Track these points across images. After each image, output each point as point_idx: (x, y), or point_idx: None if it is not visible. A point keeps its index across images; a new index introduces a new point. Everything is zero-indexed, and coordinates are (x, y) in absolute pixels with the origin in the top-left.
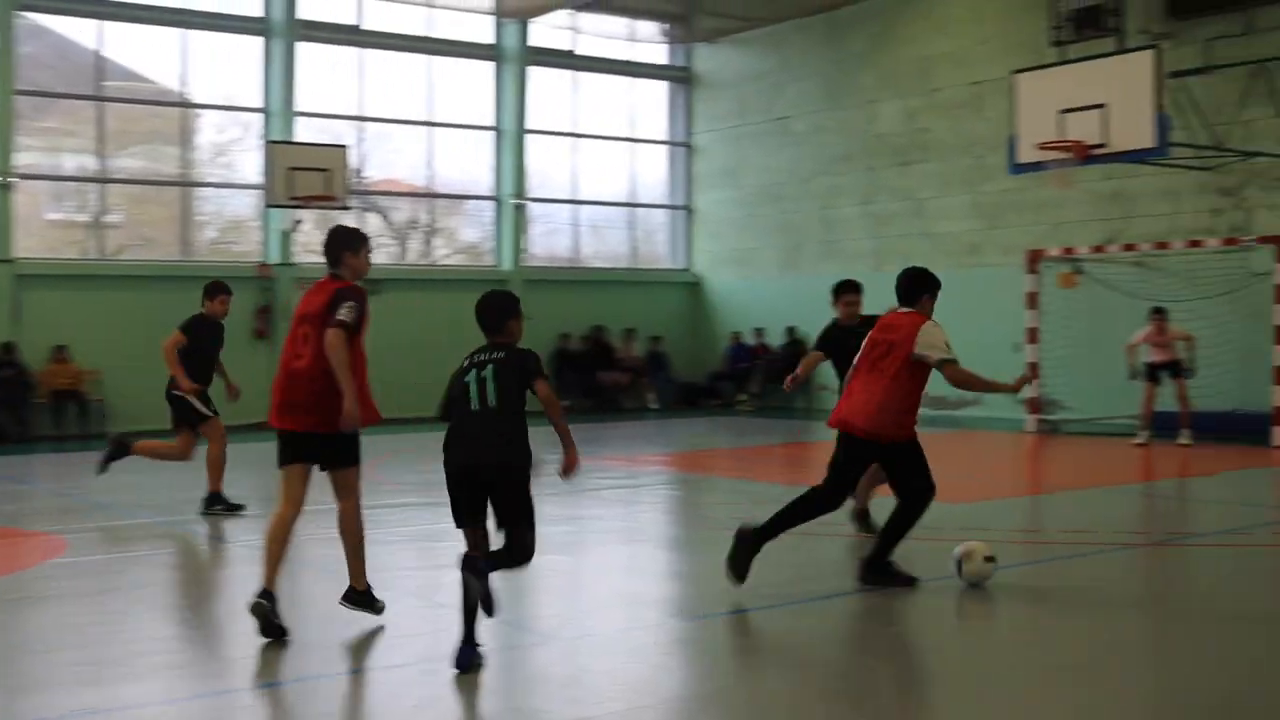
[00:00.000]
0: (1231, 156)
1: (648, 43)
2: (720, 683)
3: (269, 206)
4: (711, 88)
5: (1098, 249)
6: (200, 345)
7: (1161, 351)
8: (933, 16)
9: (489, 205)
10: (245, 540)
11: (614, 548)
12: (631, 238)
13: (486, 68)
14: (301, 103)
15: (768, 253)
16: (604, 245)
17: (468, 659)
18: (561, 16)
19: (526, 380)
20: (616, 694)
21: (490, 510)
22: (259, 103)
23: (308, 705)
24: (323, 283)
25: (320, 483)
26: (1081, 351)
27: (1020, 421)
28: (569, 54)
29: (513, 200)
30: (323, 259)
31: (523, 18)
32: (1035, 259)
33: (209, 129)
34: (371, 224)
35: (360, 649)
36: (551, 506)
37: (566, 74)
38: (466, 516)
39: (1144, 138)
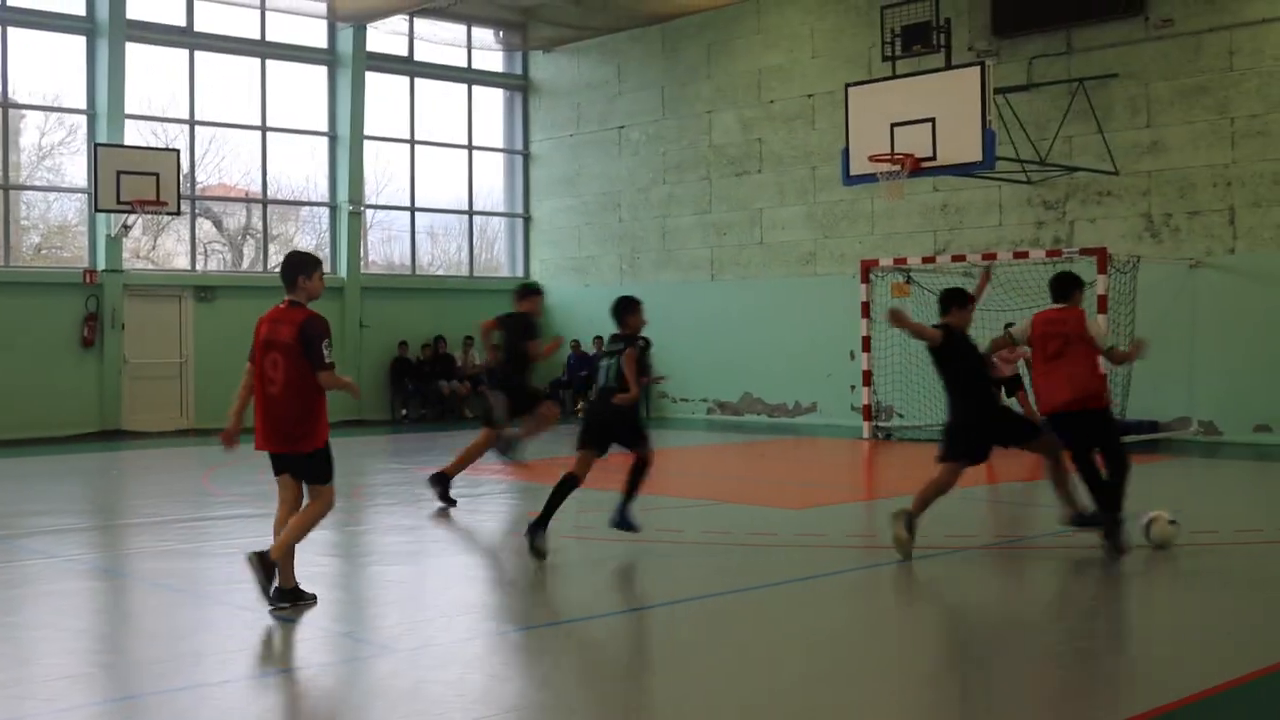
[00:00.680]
0: (1054, 171)
1: (485, 50)
2: (559, 691)
3: (97, 211)
4: (548, 96)
5: (928, 259)
6: None
7: (1009, 367)
8: (766, 30)
9: (325, 212)
10: (70, 555)
11: (454, 557)
12: (470, 246)
13: (321, 72)
14: (131, 105)
15: (606, 261)
16: (442, 253)
17: (534, 535)
18: (398, 22)
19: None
20: (457, 704)
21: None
22: (85, 104)
23: None
24: (283, 310)
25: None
26: (914, 359)
27: (856, 428)
28: (406, 60)
29: (349, 207)
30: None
31: (359, 23)
32: (868, 269)
33: (32, 130)
34: (204, 230)
35: (193, 664)
36: (391, 517)
37: (404, 80)
38: (592, 444)
39: (971, 151)
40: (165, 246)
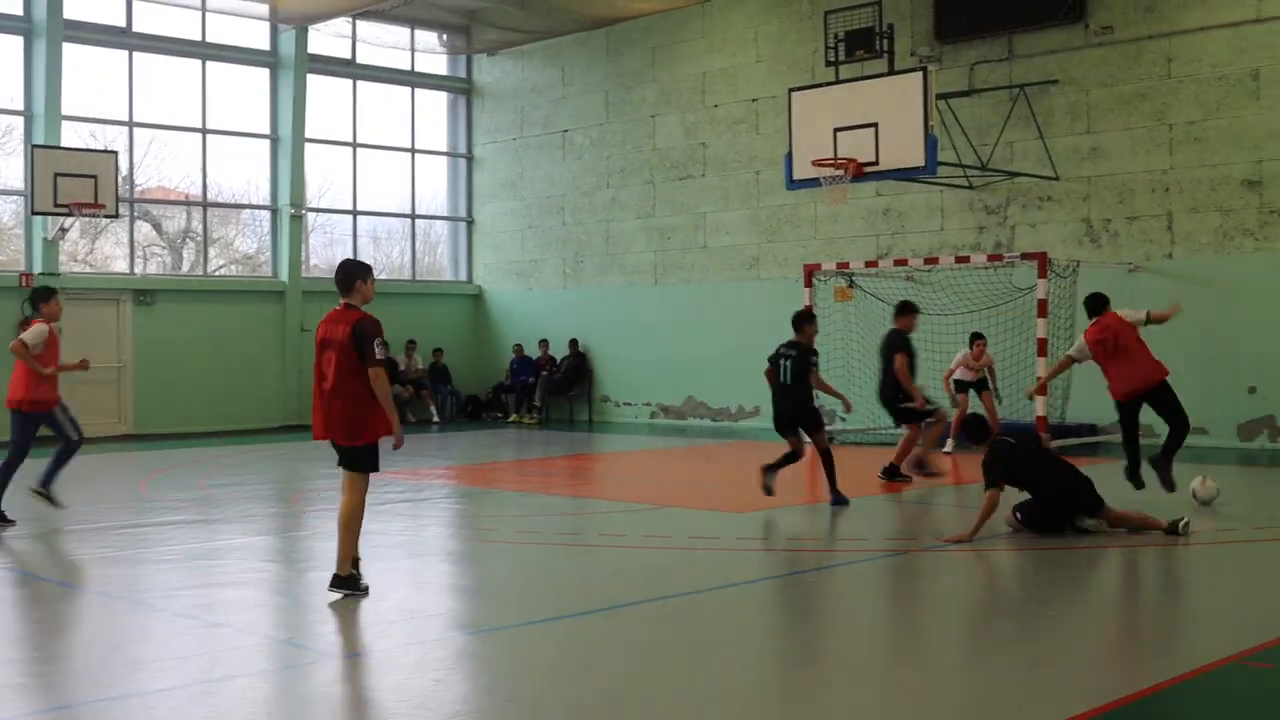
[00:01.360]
0: (995, 176)
1: (428, 53)
2: (501, 696)
3: (34, 214)
4: (492, 99)
5: (870, 263)
6: None
7: (973, 374)
8: (711, 34)
9: (266, 215)
10: (3, 563)
11: (396, 562)
12: (413, 249)
13: (263, 74)
14: (68, 106)
15: (550, 265)
16: (385, 257)
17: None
18: (341, 24)
19: (806, 369)
20: (398, 710)
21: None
22: (22, 105)
23: None
24: (340, 311)
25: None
26: (856, 363)
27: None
28: (348, 62)
29: (291, 210)
30: (334, 287)
31: (301, 25)
32: (811, 273)
33: None
34: (143, 233)
35: (131, 673)
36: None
37: (346, 83)
38: (786, 430)
39: (913, 156)
40: (103, 249)
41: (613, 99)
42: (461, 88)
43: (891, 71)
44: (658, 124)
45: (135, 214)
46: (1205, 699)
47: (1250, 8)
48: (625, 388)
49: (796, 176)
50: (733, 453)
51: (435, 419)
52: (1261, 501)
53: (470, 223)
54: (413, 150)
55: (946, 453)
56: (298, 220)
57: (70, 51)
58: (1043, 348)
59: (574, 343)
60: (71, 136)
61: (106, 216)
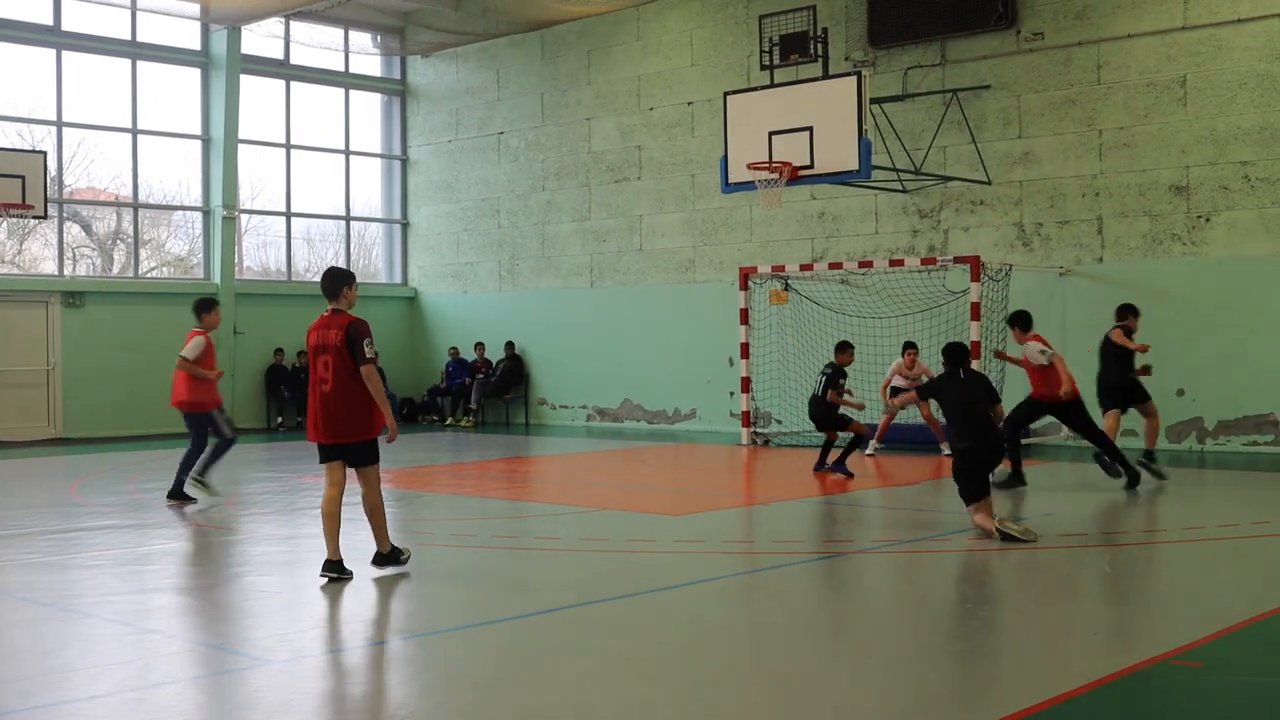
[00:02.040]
0: (929, 180)
1: (362, 54)
2: (438, 700)
3: None
4: (427, 101)
5: (805, 267)
6: None
7: (908, 382)
8: (646, 37)
9: (198, 216)
10: None
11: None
12: (347, 252)
13: (195, 74)
14: None
15: (485, 267)
16: (319, 259)
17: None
18: (274, 25)
19: (833, 384)
20: (332, 716)
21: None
22: None
23: None
24: (329, 317)
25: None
26: (791, 365)
27: (735, 434)
28: (282, 63)
29: (223, 212)
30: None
31: (233, 25)
32: (747, 276)
33: None
34: (73, 234)
35: (60, 680)
36: (266, 526)
37: (279, 83)
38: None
39: (848, 160)
40: (31, 251)
41: (548, 101)
42: (396, 89)
43: (826, 76)
44: (593, 127)
45: (64, 215)
46: (1138, 698)
47: (1178, 16)
48: (561, 390)
49: (732, 180)
50: (669, 455)
51: None
52: (1190, 503)
53: (405, 225)
54: (347, 152)
55: (869, 455)
56: (230, 222)
57: None
58: (976, 350)
59: (510, 345)
60: None
61: (35, 217)
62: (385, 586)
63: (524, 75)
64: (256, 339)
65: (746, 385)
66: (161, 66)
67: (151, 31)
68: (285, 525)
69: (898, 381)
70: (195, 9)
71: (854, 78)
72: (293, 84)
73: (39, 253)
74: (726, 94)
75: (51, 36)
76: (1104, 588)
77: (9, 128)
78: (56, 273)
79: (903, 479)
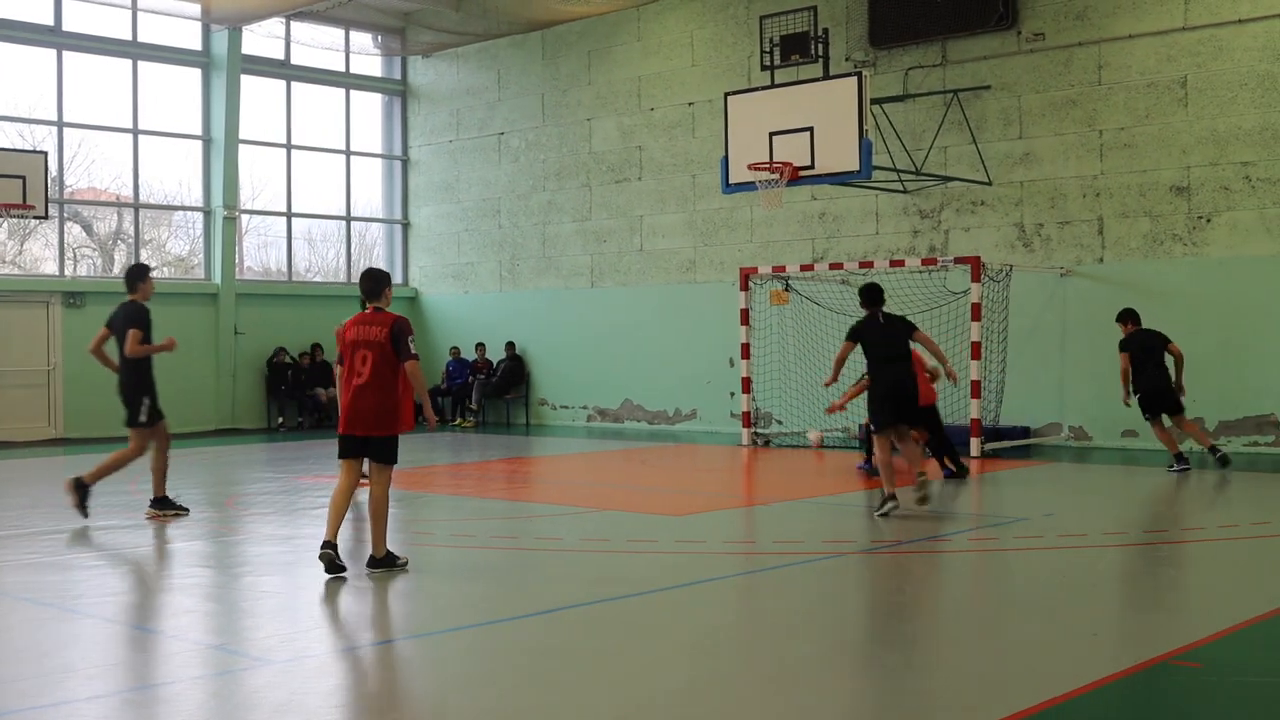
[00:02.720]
0: (929, 181)
1: (363, 54)
2: (437, 701)
3: None
4: (428, 101)
5: (806, 267)
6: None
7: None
8: (646, 37)
9: (199, 216)
10: None
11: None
12: (348, 252)
13: (195, 74)
14: None
15: (486, 268)
16: (320, 259)
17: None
18: (275, 25)
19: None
20: (334, 717)
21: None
22: None
23: None
24: (370, 314)
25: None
26: (791, 366)
27: (736, 435)
28: (282, 63)
29: (224, 212)
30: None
31: (234, 25)
32: (747, 276)
33: None
34: (73, 235)
35: (60, 681)
36: (267, 526)
37: (280, 83)
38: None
39: (848, 161)
40: (32, 251)
41: (548, 102)
42: (397, 90)
43: (826, 76)
44: (594, 127)
45: (65, 215)
46: (1138, 699)
47: (1178, 16)
48: (562, 391)
49: (732, 180)
50: (670, 456)
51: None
52: (1191, 504)
53: (406, 225)
54: (348, 152)
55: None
56: (231, 222)
57: None
58: (976, 351)
59: (510, 346)
60: None
61: (35, 218)
62: (385, 587)
63: (525, 76)
64: (257, 339)
65: (747, 386)
66: (162, 67)
67: (152, 32)
68: (286, 525)
69: None
70: (196, 9)
71: (855, 78)
72: (293, 84)
73: (40, 253)
74: (727, 94)
75: (52, 37)
76: (1104, 588)
77: (10, 128)
78: (57, 273)
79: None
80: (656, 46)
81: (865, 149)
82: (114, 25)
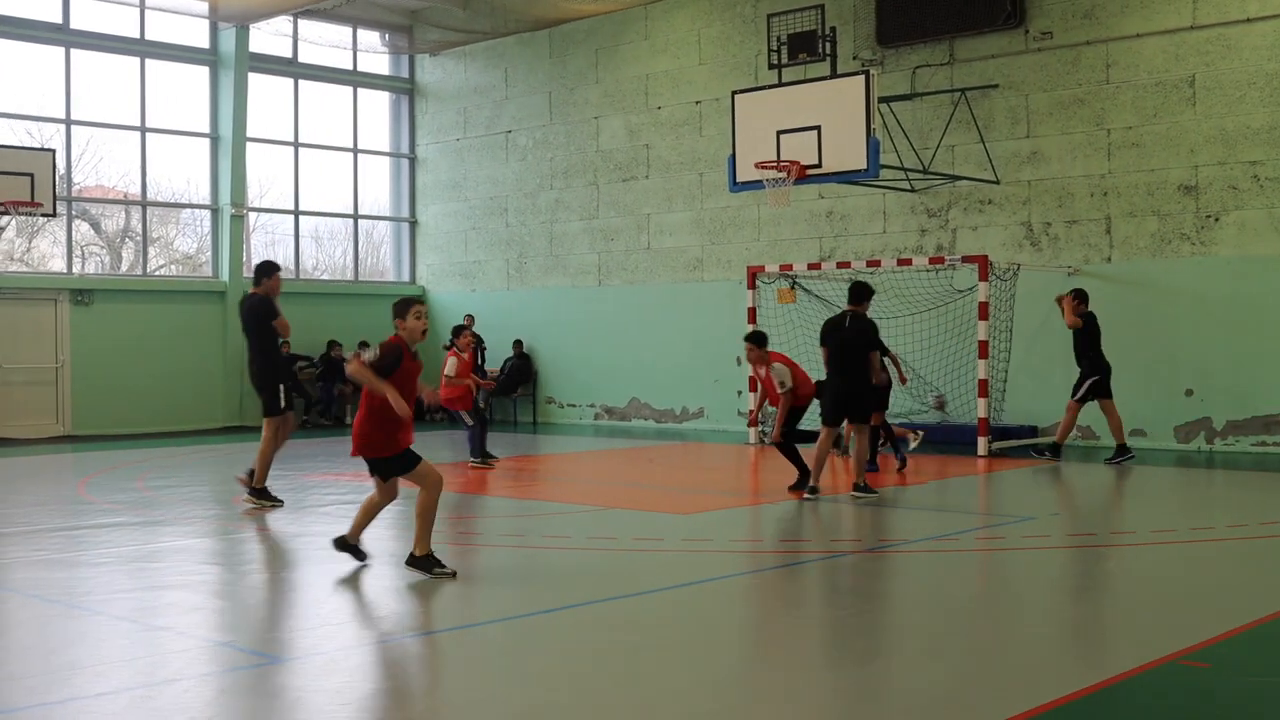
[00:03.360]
0: (937, 180)
1: (370, 52)
2: (444, 699)
3: None
4: (435, 99)
5: (813, 265)
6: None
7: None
8: (654, 36)
9: (206, 214)
10: None
11: (341, 565)
12: (355, 250)
13: (203, 72)
14: (4, 103)
15: (493, 266)
16: (327, 257)
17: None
18: (282, 23)
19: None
20: (340, 714)
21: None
22: None
23: None
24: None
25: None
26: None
27: (742, 433)
28: (290, 61)
29: (231, 210)
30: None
31: (242, 23)
32: (755, 275)
33: None
34: (81, 232)
35: (68, 677)
36: (275, 523)
37: (287, 81)
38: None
39: (856, 159)
40: (40, 249)
41: (556, 100)
42: (404, 88)
43: (834, 75)
44: (601, 125)
45: (73, 213)
46: (1145, 698)
47: (1186, 15)
48: (569, 389)
49: (740, 179)
50: (677, 454)
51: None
52: (1199, 503)
53: (413, 223)
54: (355, 150)
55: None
56: (239, 220)
57: (6, 48)
58: (984, 350)
59: (518, 344)
60: (7, 134)
61: (43, 215)
62: (393, 585)
63: (532, 74)
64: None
65: (753, 384)
66: (170, 65)
67: (160, 30)
68: (294, 523)
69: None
70: (204, 7)
71: (862, 77)
72: (301, 82)
73: (48, 250)
74: (734, 93)
75: (60, 35)
76: (1112, 587)
77: (18, 126)
78: (65, 270)
79: (911, 478)
80: (664, 45)
81: (873, 148)
82: (122, 23)
